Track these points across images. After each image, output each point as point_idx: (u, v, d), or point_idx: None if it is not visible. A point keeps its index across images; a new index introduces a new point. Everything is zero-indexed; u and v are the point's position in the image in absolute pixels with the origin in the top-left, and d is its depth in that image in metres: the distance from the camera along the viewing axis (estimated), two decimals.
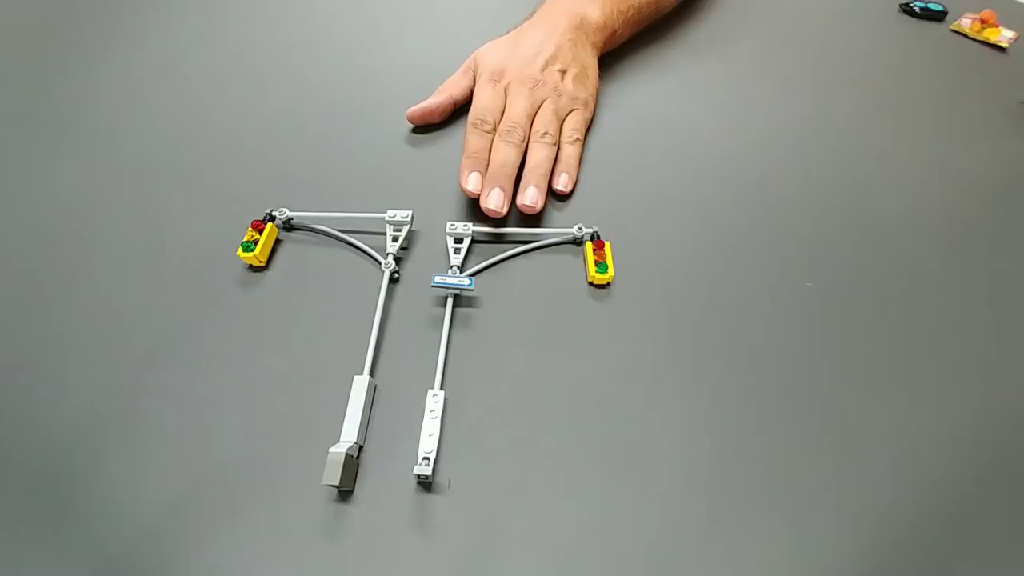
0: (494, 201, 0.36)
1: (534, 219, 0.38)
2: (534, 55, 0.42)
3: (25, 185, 0.39)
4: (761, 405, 0.30)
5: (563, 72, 0.42)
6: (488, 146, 0.38)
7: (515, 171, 0.38)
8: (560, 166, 0.39)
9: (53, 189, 0.38)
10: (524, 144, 0.39)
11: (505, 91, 0.41)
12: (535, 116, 0.40)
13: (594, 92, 0.44)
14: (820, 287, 0.35)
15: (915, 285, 0.36)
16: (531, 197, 0.37)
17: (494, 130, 0.39)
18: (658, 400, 0.30)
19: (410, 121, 0.42)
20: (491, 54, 0.43)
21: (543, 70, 0.41)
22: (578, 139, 0.41)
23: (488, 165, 0.37)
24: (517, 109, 0.39)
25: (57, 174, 0.39)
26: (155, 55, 0.48)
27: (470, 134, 0.39)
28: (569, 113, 0.42)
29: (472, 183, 0.36)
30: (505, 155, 0.37)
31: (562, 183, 0.39)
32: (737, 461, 0.28)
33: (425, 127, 0.43)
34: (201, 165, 0.40)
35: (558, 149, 0.40)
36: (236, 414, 0.29)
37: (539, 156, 0.38)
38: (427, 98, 0.43)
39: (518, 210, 0.37)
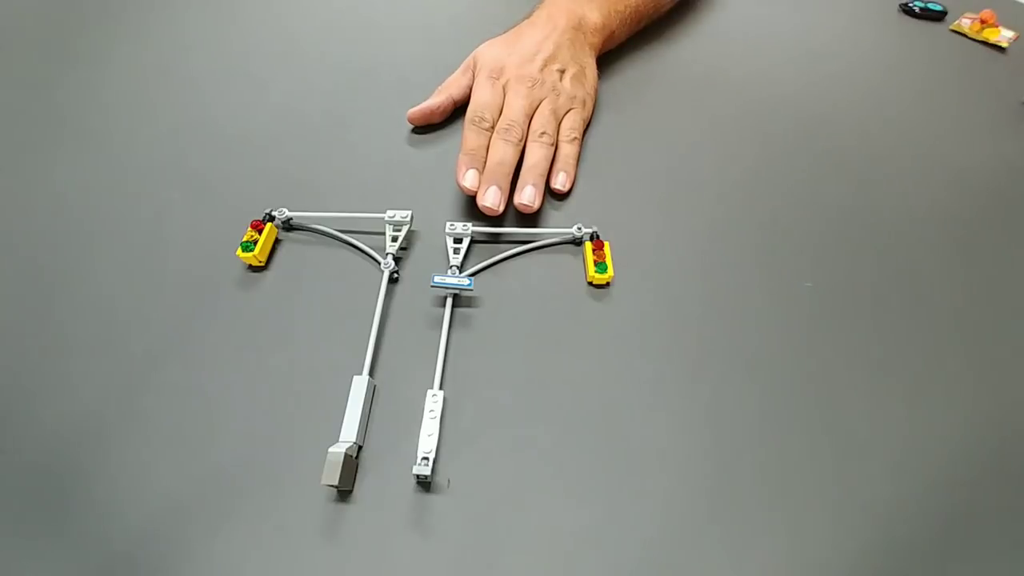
0: (491, 199, 0.36)
1: (533, 219, 0.37)
2: (533, 54, 0.42)
3: (26, 184, 0.39)
4: (760, 405, 0.30)
5: (562, 72, 0.42)
6: (486, 144, 0.38)
7: (512, 169, 0.38)
8: (558, 165, 0.39)
9: (54, 189, 0.38)
10: (522, 143, 0.39)
11: (504, 89, 0.41)
12: (533, 115, 0.40)
13: (592, 92, 0.44)
14: (820, 287, 0.35)
15: (914, 285, 0.36)
16: (528, 196, 0.37)
17: (492, 128, 0.39)
18: (657, 400, 0.30)
19: (411, 122, 0.42)
20: (490, 52, 0.43)
21: (542, 69, 0.41)
22: (576, 138, 0.41)
23: (485, 163, 0.37)
24: (515, 107, 0.39)
25: (58, 174, 0.39)
26: (155, 55, 0.48)
27: (468, 131, 0.39)
28: (567, 112, 0.42)
29: (469, 180, 0.36)
30: (503, 153, 0.37)
31: (560, 182, 0.39)
32: (737, 461, 0.28)
33: (425, 127, 0.43)
34: (201, 165, 0.40)
35: (556, 148, 0.40)
36: (236, 414, 0.29)
37: (537, 156, 0.38)
38: (427, 98, 0.43)
39: (515, 209, 0.37)
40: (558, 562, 0.26)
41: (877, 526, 0.27)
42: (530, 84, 0.40)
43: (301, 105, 0.44)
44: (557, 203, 0.39)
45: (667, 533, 0.26)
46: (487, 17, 0.49)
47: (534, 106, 0.40)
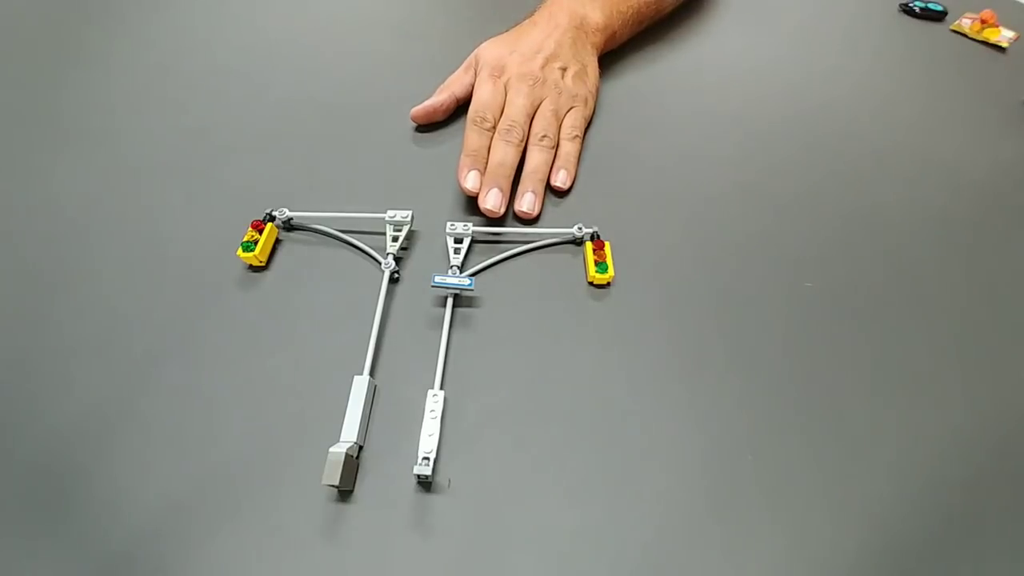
0: (492, 201, 0.36)
1: (534, 219, 0.37)
2: (535, 52, 0.42)
3: (26, 185, 0.39)
4: (761, 405, 0.30)
5: (563, 70, 0.42)
6: (487, 144, 0.38)
7: (513, 171, 0.38)
8: (559, 162, 0.39)
9: (54, 189, 0.38)
10: (523, 144, 0.39)
11: (505, 87, 0.41)
12: (534, 116, 0.40)
13: (594, 90, 0.44)
14: (820, 287, 0.35)
15: (914, 285, 0.36)
16: (528, 204, 0.37)
17: (494, 128, 0.39)
18: (658, 400, 0.30)
19: (414, 120, 0.42)
20: (492, 51, 0.43)
21: (543, 67, 0.41)
22: (577, 136, 0.41)
23: (487, 163, 0.37)
24: (517, 107, 0.39)
25: (58, 174, 0.39)
26: (155, 55, 0.48)
27: (470, 131, 0.39)
28: (569, 111, 0.42)
29: (471, 181, 0.36)
30: (504, 154, 0.37)
31: (560, 180, 0.39)
32: (736, 461, 0.28)
33: (426, 126, 0.43)
34: (201, 165, 0.40)
35: (557, 147, 0.40)
36: (236, 414, 0.29)
37: (537, 160, 0.38)
38: (430, 97, 0.43)
39: (515, 214, 0.37)
40: (558, 562, 0.25)
41: (877, 526, 0.27)
42: (531, 82, 0.40)
43: (301, 105, 0.44)
44: (557, 202, 0.39)
45: (667, 533, 0.26)
46: (488, 16, 0.49)
47: (535, 105, 0.40)
